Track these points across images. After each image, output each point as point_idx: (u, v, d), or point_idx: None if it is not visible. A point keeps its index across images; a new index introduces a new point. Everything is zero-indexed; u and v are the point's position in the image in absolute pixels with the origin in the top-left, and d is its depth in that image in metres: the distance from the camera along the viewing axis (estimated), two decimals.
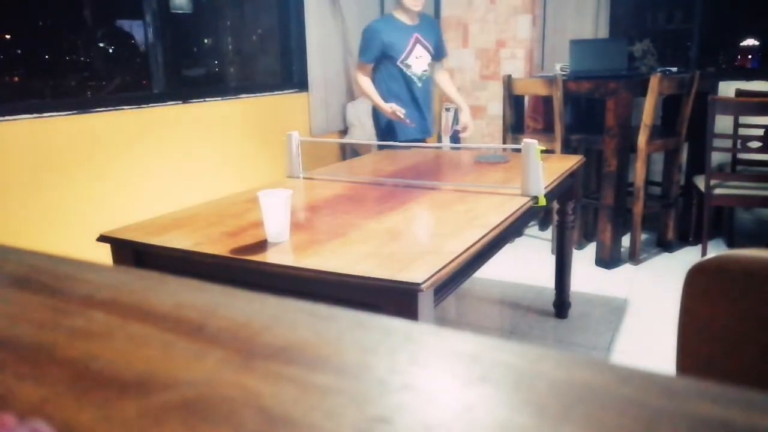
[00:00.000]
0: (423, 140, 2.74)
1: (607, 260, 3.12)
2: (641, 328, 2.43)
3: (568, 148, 3.22)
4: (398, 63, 2.87)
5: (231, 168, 3.07)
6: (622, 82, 2.96)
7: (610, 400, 0.33)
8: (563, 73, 3.30)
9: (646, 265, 3.15)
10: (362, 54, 2.89)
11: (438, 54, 3.01)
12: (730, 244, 3.37)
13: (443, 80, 3.13)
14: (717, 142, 2.88)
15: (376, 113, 2.95)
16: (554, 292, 2.58)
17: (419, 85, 2.92)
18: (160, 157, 2.72)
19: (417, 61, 2.90)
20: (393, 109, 2.78)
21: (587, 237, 3.50)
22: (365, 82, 2.90)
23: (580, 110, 3.56)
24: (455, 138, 3.71)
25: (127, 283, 0.55)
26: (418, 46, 2.89)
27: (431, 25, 3.00)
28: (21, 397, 0.37)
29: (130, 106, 2.64)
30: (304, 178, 2.08)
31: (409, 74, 2.90)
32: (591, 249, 3.29)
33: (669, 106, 3.47)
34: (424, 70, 2.93)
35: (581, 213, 3.40)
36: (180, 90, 2.94)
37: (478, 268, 1.48)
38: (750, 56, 4.06)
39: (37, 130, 2.28)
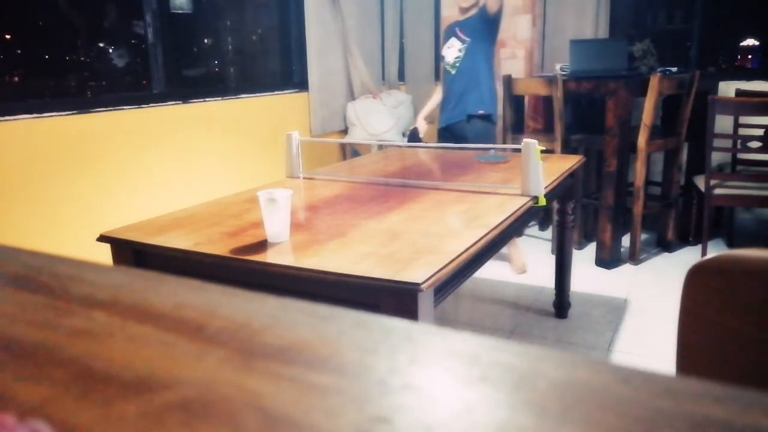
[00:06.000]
0: (455, 126, 3.02)
1: (607, 260, 3.11)
2: (641, 328, 2.43)
3: (568, 148, 3.22)
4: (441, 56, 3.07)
5: (231, 168, 3.07)
6: (622, 82, 2.96)
7: (610, 400, 0.33)
8: (563, 73, 3.30)
9: (646, 265, 3.14)
10: None
11: (470, 36, 2.88)
12: (730, 244, 3.37)
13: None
14: (717, 142, 2.88)
15: None
16: (554, 292, 2.58)
17: (452, 72, 2.99)
18: (160, 157, 2.72)
19: (448, 51, 2.99)
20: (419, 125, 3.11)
21: (587, 237, 3.50)
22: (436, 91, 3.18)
23: (580, 110, 3.56)
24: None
25: (127, 283, 0.55)
26: (453, 38, 2.97)
27: (480, 16, 2.87)
28: (21, 397, 0.37)
29: (130, 106, 2.63)
30: (304, 178, 2.08)
31: (443, 65, 3.05)
32: (591, 249, 3.29)
33: (669, 106, 3.47)
34: (456, 57, 2.96)
35: (581, 213, 3.40)
36: (180, 90, 2.94)
37: (478, 268, 1.48)
38: (750, 56, 4.05)
39: (37, 130, 2.28)
